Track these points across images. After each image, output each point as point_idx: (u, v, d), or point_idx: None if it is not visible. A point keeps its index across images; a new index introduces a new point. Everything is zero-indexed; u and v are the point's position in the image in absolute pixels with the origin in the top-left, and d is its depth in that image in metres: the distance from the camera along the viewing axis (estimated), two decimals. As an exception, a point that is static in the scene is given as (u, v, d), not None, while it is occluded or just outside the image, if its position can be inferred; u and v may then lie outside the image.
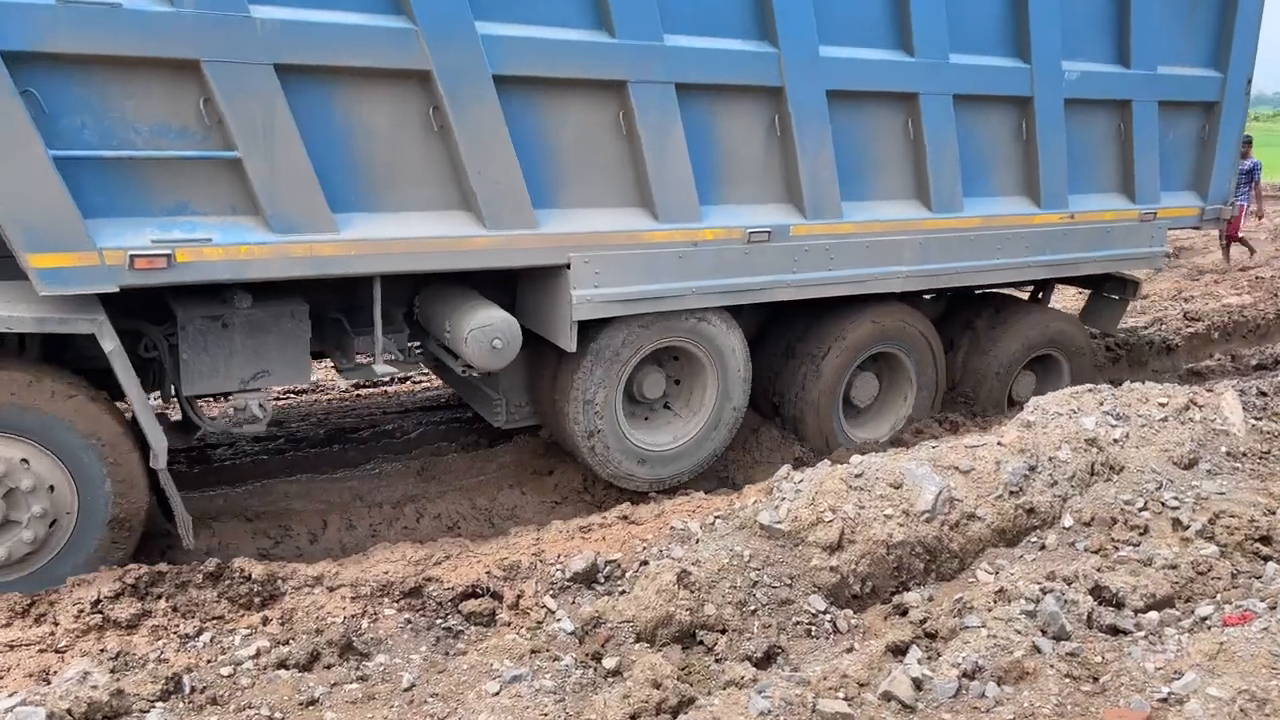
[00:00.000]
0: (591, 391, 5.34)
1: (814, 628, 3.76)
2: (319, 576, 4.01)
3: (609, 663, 3.46)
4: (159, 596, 3.78)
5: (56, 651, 3.51)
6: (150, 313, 4.58)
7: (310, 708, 3.19)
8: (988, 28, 5.98)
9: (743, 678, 3.33)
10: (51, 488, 4.03)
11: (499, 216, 4.74)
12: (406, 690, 3.29)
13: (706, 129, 5.25)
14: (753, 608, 3.75)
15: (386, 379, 7.48)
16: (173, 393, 4.73)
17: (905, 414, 6.51)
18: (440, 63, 4.41)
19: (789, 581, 3.90)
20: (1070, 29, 6.21)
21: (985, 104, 6.08)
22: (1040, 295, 7.57)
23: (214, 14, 3.95)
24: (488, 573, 4.11)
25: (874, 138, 5.81)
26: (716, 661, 3.53)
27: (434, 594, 3.95)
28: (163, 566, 3.90)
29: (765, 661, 3.56)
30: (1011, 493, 4.39)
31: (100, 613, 3.66)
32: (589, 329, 5.19)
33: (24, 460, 3.96)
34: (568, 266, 4.96)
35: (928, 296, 6.93)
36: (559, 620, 3.73)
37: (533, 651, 3.47)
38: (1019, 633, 3.42)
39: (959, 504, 4.26)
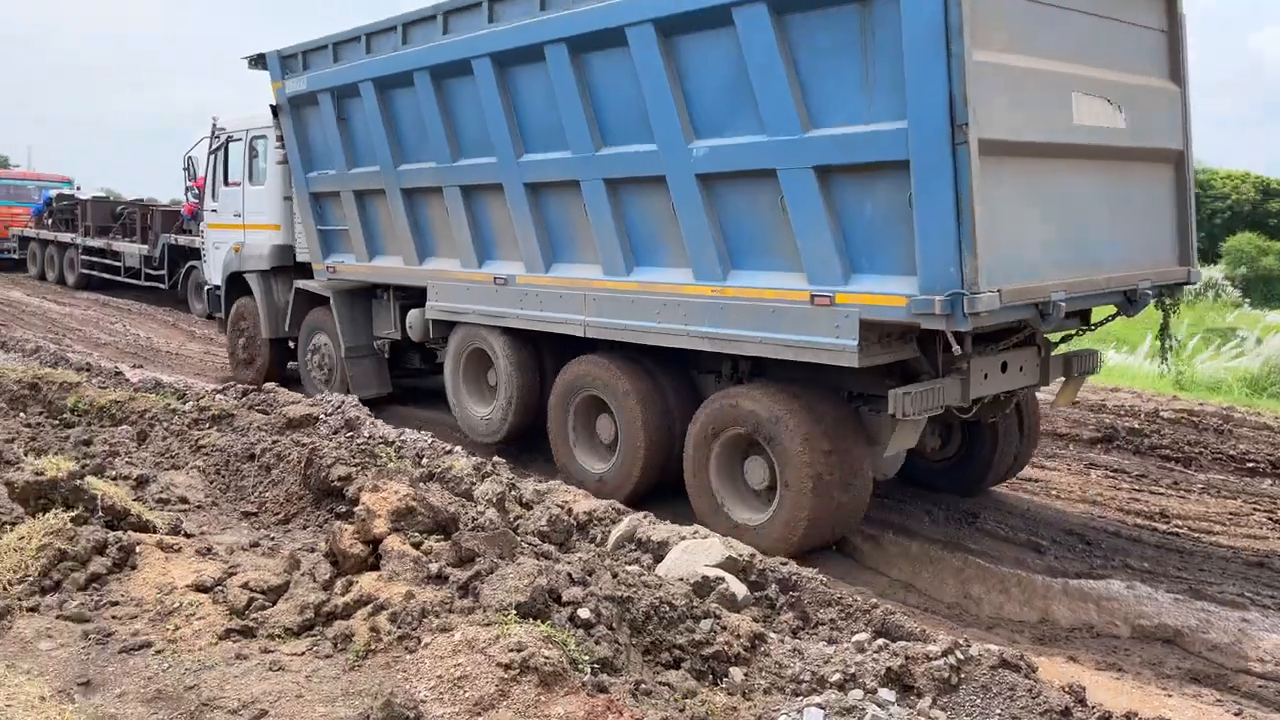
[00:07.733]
0: (448, 374, 9.39)
1: None
2: None
3: None
4: None
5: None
6: None
7: None
8: (635, 121, 7.02)
9: None
10: None
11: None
12: None
13: (481, 209, 8.57)
14: None
15: None
16: None
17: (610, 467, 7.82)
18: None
19: None
20: (703, 108, 6.56)
21: (636, 184, 7.17)
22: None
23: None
24: None
25: (565, 216, 7.84)
26: None
27: None
28: None
29: None
30: None
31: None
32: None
33: None
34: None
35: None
36: None
37: None
38: None
39: None
